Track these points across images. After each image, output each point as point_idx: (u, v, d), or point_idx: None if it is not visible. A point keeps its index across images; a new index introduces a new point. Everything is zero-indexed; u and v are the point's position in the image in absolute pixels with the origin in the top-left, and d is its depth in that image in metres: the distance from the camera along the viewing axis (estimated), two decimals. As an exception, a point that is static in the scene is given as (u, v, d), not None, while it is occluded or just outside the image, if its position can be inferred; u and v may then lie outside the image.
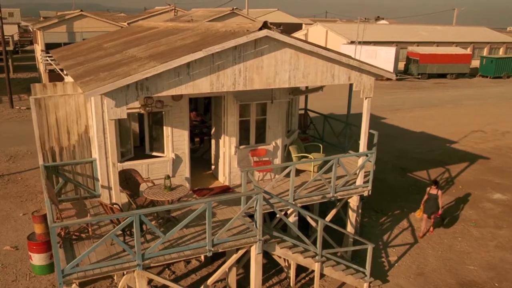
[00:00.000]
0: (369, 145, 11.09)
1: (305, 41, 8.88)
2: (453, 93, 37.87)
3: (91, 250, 7.08)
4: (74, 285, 7.13)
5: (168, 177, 8.65)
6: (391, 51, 41.43)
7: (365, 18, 46.69)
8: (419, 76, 45.13)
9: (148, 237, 8.27)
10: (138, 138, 11.32)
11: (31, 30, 40.75)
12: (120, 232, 8.02)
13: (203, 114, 14.74)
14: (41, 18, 60.17)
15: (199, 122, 14.02)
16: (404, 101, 33.17)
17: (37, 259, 10.44)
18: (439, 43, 51.42)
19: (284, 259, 10.53)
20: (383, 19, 45.66)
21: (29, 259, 10.69)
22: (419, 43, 50.29)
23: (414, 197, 15.33)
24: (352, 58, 9.53)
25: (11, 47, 41.20)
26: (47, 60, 29.22)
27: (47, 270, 10.46)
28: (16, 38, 55.31)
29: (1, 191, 15.21)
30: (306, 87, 12.81)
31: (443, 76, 46.35)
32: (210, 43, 8.34)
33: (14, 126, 23.71)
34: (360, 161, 10.86)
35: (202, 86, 8.27)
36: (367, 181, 11.07)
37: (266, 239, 8.72)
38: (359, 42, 42.65)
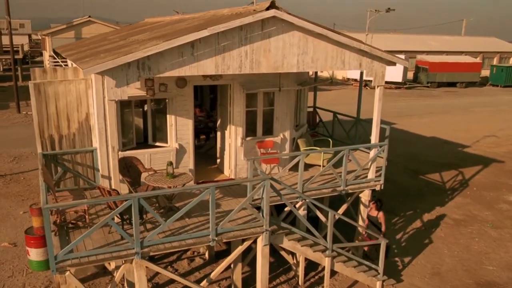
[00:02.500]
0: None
1: (315, 23, 8.50)
2: (464, 100, 37.28)
3: (86, 234, 6.66)
4: (68, 273, 6.69)
5: (170, 163, 8.24)
6: (400, 59, 41.02)
7: (375, 10, 46.08)
8: (429, 85, 44.60)
9: (149, 226, 7.83)
10: (142, 136, 10.91)
11: (40, 37, 41.05)
12: (119, 220, 7.61)
13: (209, 110, 14.38)
14: (52, 30, 60.69)
15: (204, 117, 13.66)
16: (414, 108, 32.64)
17: (35, 254, 9.99)
18: (448, 53, 50.94)
19: (293, 256, 10.01)
20: (394, 10, 45.01)
21: (26, 255, 10.30)
22: (428, 53, 49.86)
23: (427, 198, 14.79)
24: (363, 43, 9.13)
25: (20, 56, 41.44)
26: (57, 62, 29.22)
27: (45, 265, 9.99)
28: (26, 48, 55.86)
29: (3, 190, 14.90)
30: (315, 79, 12.45)
31: (453, 84, 45.79)
32: (216, 24, 8.00)
33: (20, 129, 23.57)
34: (372, 153, 10.38)
35: (207, 67, 7.90)
36: (379, 176, 10.56)
37: (273, 229, 8.23)
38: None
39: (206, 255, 10.81)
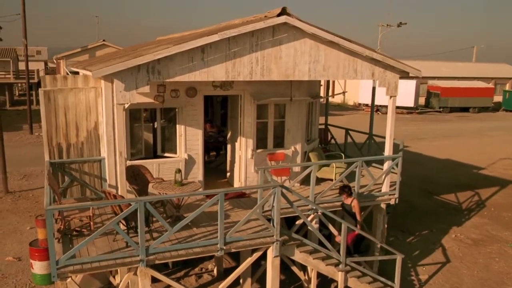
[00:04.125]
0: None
1: (326, 31, 8.41)
2: (477, 125, 36.82)
3: (90, 239, 6.42)
4: (69, 279, 6.42)
5: (179, 171, 8.04)
6: (411, 84, 40.84)
7: (387, 25, 45.75)
8: (441, 110, 44.25)
9: (155, 235, 7.56)
10: (152, 151, 10.77)
11: (55, 61, 41.91)
12: (125, 228, 7.36)
13: (220, 126, 14.24)
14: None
15: (215, 132, 13.52)
16: (426, 131, 32.27)
17: (39, 267, 9.77)
18: (459, 78, 50.70)
19: (304, 272, 9.60)
20: (405, 24, 44.84)
21: (30, 269, 10.04)
22: (439, 78, 49.67)
23: (443, 218, 14.31)
24: (375, 52, 9.00)
25: (35, 80, 42.23)
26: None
27: (48, 279, 9.73)
28: (42, 74, 56.96)
29: (11, 206, 14.81)
30: (327, 92, 12.30)
31: (465, 110, 45.37)
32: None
33: (31, 149, 23.71)
34: (386, 165, 10.08)
35: (217, 73, 7.81)
36: (394, 190, 10.23)
37: (284, 239, 7.89)
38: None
39: (215, 271, 10.45)
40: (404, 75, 9.61)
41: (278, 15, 7.92)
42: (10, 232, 12.66)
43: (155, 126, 10.19)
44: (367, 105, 43.65)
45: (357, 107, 46.67)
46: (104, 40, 31.93)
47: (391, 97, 9.58)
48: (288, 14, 8.00)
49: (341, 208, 9.49)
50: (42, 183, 17.23)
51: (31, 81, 35.21)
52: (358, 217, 9.11)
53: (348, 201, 9.17)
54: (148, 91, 7.49)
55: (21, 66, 43.47)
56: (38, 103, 44.20)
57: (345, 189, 9.11)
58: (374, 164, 12.19)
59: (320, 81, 12.12)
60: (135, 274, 6.95)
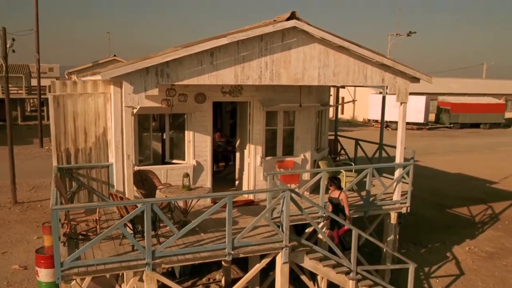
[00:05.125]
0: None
1: (336, 35, 8.37)
2: (489, 140, 36.39)
3: (96, 240, 6.33)
4: (74, 282, 6.30)
5: (187, 175, 7.95)
6: (421, 100, 40.63)
7: (397, 34, 45.39)
8: (451, 126, 43.87)
9: (162, 240, 7.42)
10: (160, 158, 10.69)
11: (66, 76, 42.52)
12: (131, 231, 7.25)
13: (230, 137, 14.17)
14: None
15: (224, 142, 13.45)
16: (437, 146, 31.93)
17: (44, 275, 9.64)
18: (470, 95, 50.37)
19: (314, 282, 9.36)
20: (415, 32, 44.50)
21: (35, 277, 9.93)
22: (449, 95, 49.38)
23: (456, 230, 13.98)
24: (385, 57, 8.93)
25: (47, 96, 42.72)
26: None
27: (53, 287, 9.62)
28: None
29: (19, 217, 14.78)
30: (337, 100, 12.21)
31: (476, 126, 44.92)
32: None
33: (41, 162, 23.86)
34: (397, 173, 9.90)
35: (226, 77, 7.78)
36: (405, 199, 10.03)
37: (293, 245, 7.71)
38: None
39: (222, 281, 10.24)
40: (415, 82, 9.49)
41: (287, 19, 7.92)
42: (17, 242, 12.60)
43: (164, 135, 10.14)
44: (376, 121, 43.42)
45: (366, 123, 46.46)
46: (115, 55, 32.23)
47: (401, 103, 9.46)
48: (298, 19, 7.99)
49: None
50: (50, 194, 17.22)
51: (42, 96, 35.66)
52: (346, 212, 8.59)
53: (335, 194, 8.66)
54: (157, 94, 7.46)
55: (33, 82, 44.24)
56: (49, 118, 44.72)
57: (334, 181, 8.65)
58: (385, 174, 12.00)
59: (329, 89, 12.07)
60: (141, 279, 6.82)
